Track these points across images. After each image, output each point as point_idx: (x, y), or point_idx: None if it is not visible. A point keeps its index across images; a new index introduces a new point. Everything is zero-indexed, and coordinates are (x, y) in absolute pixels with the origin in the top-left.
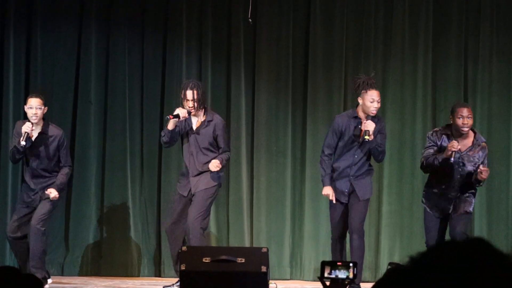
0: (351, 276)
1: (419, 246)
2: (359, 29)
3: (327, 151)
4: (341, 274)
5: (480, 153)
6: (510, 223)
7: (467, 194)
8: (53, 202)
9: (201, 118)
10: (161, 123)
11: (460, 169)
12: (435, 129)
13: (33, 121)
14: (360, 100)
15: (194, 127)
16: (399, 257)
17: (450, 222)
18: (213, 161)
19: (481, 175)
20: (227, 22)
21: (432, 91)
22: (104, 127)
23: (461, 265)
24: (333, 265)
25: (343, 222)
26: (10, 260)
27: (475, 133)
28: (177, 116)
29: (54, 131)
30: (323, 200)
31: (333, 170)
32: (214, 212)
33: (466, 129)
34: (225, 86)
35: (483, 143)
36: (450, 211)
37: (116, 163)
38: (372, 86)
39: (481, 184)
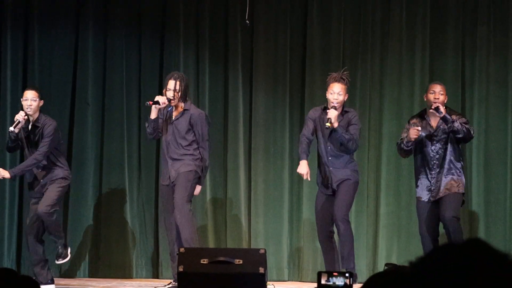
0: (348, 283)
1: (416, 246)
2: (356, 30)
3: (302, 138)
4: (339, 281)
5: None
6: (508, 224)
7: (447, 171)
8: (58, 188)
9: (179, 109)
10: None
11: (430, 148)
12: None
13: (28, 112)
14: (327, 94)
15: (173, 118)
16: (397, 258)
17: (439, 207)
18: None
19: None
20: (224, 23)
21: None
22: (102, 128)
23: (461, 266)
24: (329, 274)
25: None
26: (8, 262)
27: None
28: (157, 102)
29: (45, 121)
30: None
31: (318, 164)
32: (212, 213)
33: (437, 104)
34: (223, 88)
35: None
36: (437, 193)
37: (114, 165)
38: (334, 80)
39: (443, 116)
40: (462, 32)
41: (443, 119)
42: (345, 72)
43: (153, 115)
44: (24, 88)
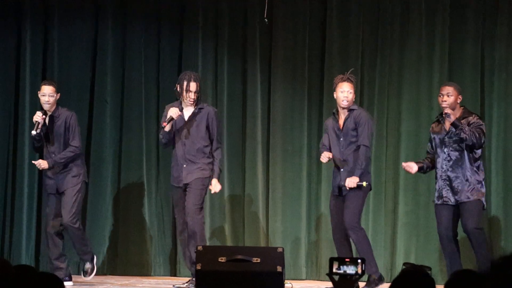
0: (359, 271)
1: (435, 246)
2: (375, 27)
3: (321, 146)
4: (350, 269)
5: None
6: None
7: (456, 176)
8: (75, 193)
9: (193, 108)
10: None
11: (443, 151)
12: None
13: (45, 108)
14: (335, 95)
15: (186, 118)
16: (415, 257)
17: (461, 214)
18: None
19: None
20: (243, 21)
21: None
22: (120, 126)
23: None
24: (341, 261)
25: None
26: (26, 259)
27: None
28: (171, 119)
29: (62, 112)
30: None
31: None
32: (229, 211)
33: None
34: (241, 85)
35: (470, 119)
36: (450, 198)
37: (132, 162)
38: (342, 80)
39: (462, 132)
40: (482, 38)
41: (453, 125)
42: (351, 74)
43: (167, 128)
44: None
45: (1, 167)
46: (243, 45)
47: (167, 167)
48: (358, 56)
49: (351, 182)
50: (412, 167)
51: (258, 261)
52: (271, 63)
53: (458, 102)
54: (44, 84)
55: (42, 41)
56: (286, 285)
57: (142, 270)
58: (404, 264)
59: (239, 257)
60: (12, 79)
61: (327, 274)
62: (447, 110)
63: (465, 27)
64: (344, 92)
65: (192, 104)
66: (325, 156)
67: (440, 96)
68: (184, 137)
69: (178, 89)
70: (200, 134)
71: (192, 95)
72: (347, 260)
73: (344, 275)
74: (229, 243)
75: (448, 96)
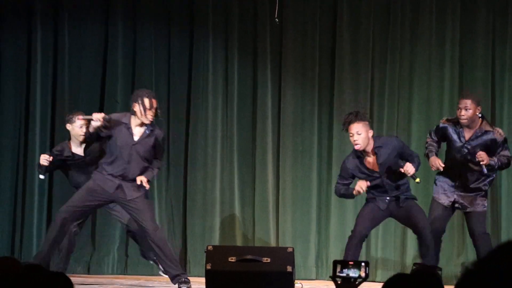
0: (362, 275)
1: (445, 246)
2: (385, 27)
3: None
4: (352, 273)
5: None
6: None
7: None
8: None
9: (143, 129)
10: (187, 121)
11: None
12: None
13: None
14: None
15: (136, 139)
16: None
17: (467, 219)
18: (142, 178)
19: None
20: (253, 21)
21: (459, 92)
22: None
23: None
24: (344, 264)
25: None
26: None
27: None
28: (91, 119)
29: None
30: (349, 200)
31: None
32: (240, 212)
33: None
34: (251, 86)
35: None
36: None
37: None
38: (349, 123)
39: (485, 170)
40: (492, 36)
41: (489, 169)
42: (360, 111)
43: (93, 128)
44: (54, 88)
45: (12, 166)
46: (254, 46)
47: (177, 166)
48: (369, 57)
49: (411, 167)
50: (439, 163)
51: (268, 261)
52: (281, 63)
53: (478, 114)
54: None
55: (53, 42)
56: (296, 285)
57: (152, 270)
58: (414, 264)
59: (249, 257)
60: (23, 80)
61: (330, 277)
62: (479, 158)
63: (475, 27)
64: (353, 136)
65: (150, 121)
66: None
67: (458, 109)
68: (127, 157)
69: (135, 106)
70: (145, 156)
71: (152, 112)
72: (350, 263)
73: (347, 278)
74: (239, 243)
75: (466, 110)
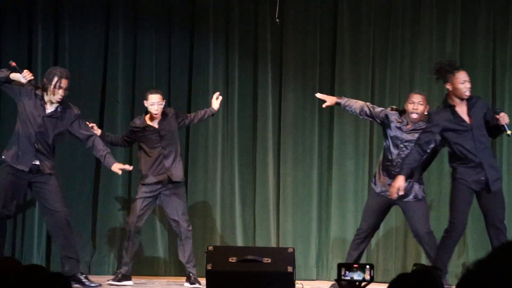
0: (367, 277)
1: None
2: (386, 28)
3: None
4: (356, 276)
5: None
6: None
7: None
8: None
9: (55, 105)
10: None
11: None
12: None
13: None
14: (449, 86)
15: (47, 112)
16: (426, 258)
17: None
18: None
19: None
20: (254, 21)
21: None
22: None
23: None
24: (348, 267)
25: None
26: (37, 259)
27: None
28: (18, 71)
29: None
30: (350, 200)
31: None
32: (240, 212)
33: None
34: (252, 86)
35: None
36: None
37: None
38: (458, 68)
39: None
40: (493, 37)
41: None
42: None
43: (12, 77)
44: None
45: None
46: (254, 46)
47: None
48: (369, 56)
49: (506, 116)
50: None
51: (269, 261)
52: (282, 63)
53: (425, 113)
54: (151, 93)
55: (53, 42)
56: (296, 285)
57: (153, 269)
58: (415, 265)
59: (250, 257)
60: None
61: (335, 280)
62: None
63: (476, 27)
64: (466, 82)
65: (58, 101)
66: None
67: (411, 103)
68: (38, 127)
69: (45, 83)
70: (55, 132)
71: (61, 92)
72: (355, 266)
73: (352, 281)
74: (239, 243)
75: (420, 105)
